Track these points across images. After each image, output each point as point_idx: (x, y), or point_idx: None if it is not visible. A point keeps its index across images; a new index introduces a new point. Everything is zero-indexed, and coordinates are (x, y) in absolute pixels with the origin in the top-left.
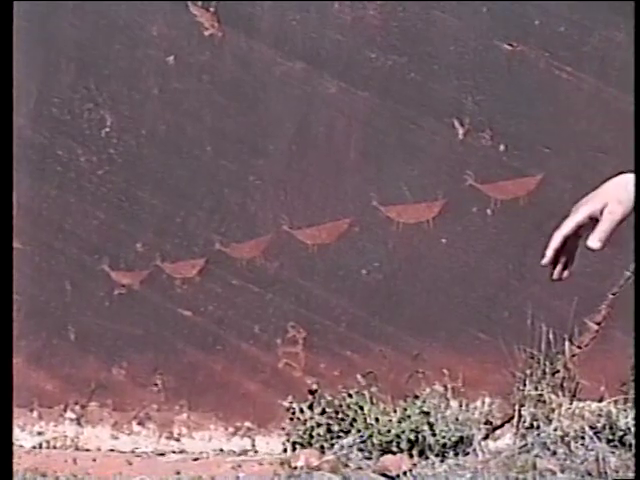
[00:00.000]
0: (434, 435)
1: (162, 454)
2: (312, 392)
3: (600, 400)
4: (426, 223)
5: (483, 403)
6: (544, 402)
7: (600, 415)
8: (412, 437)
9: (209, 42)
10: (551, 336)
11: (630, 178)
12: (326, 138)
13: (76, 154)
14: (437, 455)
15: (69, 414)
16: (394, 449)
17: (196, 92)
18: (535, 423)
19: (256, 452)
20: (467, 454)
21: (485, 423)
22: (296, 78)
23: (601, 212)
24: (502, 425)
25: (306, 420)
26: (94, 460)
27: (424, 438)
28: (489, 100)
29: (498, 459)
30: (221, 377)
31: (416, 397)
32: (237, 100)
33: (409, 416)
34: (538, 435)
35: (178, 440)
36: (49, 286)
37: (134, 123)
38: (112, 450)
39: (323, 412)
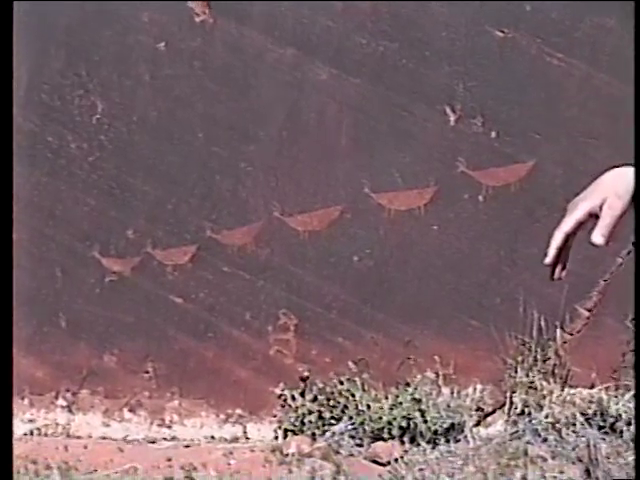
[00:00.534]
0: (425, 422)
1: (153, 441)
2: (303, 379)
3: (591, 387)
4: (417, 210)
5: (474, 390)
6: (535, 389)
7: (591, 402)
8: (403, 424)
9: (200, 28)
10: (542, 323)
11: (627, 171)
12: (317, 124)
13: (67, 141)
14: (428, 442)
15: (60, 401)
16: (385, 436)
17: (187, 78)
18: (526, 410)
19: (247, 439)
20: (458, 441)
21: (476, 410)
22: (287, 64)
23: (600, 207)
24: (493, 412)
25: (297, 407)
26: (85, 447)
27: (415, 425)
28: (480, 86)
29: (489, 446)
30: (212, 364)
31: (407, 384)
32: (228, 86)
33: (400, 403)
34: (529, 422)
35: (169, 427)
36: (40, 273)
37: (125, 109)
38: (103, 437)
39: (314, 399)
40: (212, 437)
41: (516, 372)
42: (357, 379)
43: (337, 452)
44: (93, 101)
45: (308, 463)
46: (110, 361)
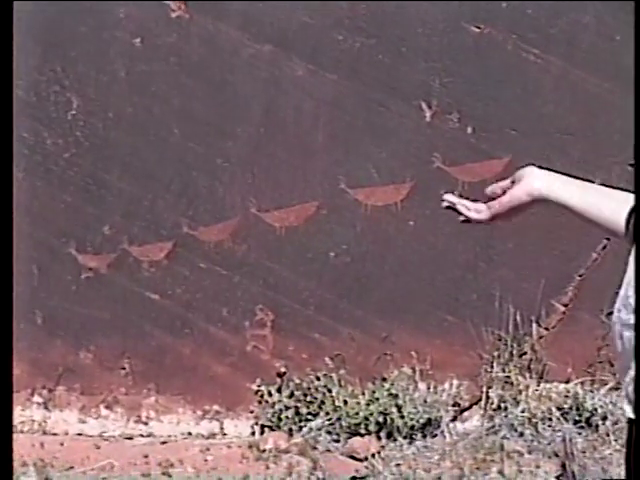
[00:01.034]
0: (402, 417)
1: (130, 438)
2: (280, 375)
3: (567, 381)
4: (394, 205)
5: (451, 385)
6: (511, 384)
7: (567, 396)
8: (380, 419)
9: (176, 24)
10: (518, 318)
11: (544, 175)
12: (294, 121)
13: (42, 137)
14: (405, 437)
15: (36, 398)
16: (362, 431)
17: (163, 74)
18: (503, 405)
19: (224, 435)
20: (435, 436)
21: (453, 405)
22: (264, 60)
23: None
24: (470, 407)
25: (274, 403)
26: (62, 444)
27: (392, 420)
28: (457, 82)
29: (466, 441)
30: (189, 360)
31: (384, 379)
32: (204, 82)
33: (377, 398)
34: (506, 417)
35: (146, 424)
36: (16, 270)
37: (101, 105)
38: (80, 434)
39: (291, 395)
40: (189, 433)
41: (492, 367)
42: (334, 375)
43: (314, 448)
44: (69, 97)
45: (285, 459)
46: (86, 358)
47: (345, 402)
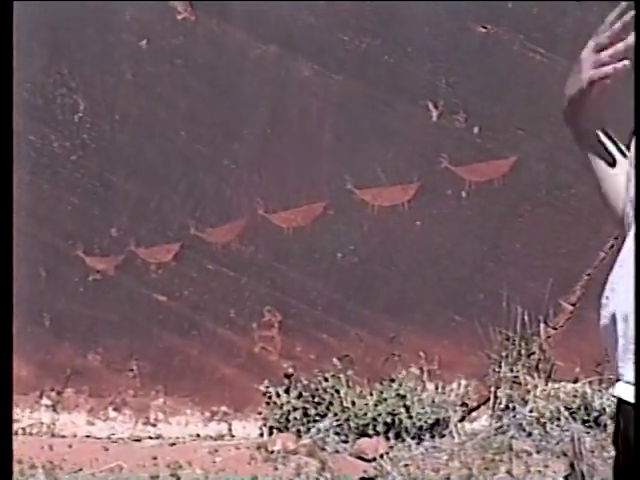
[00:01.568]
0: (410, 418)
1: (138, 440)
2: (288, 376)
3: (575, 381)
4: (401, 206)
5: (459, 385)
6: (519, 384)
7: (575, 396)
8: (388, 420)
9: (182, 26)
10: (526, 317)
11: None
12: (300, 121)
13: (49, 139)
14: (413, 438)
15: (45, 400)
16: (370, 432)
17: (169, 76)
18: (511, 404)
19: (233, 437)
20: (443, 436)
21: (461, 405)
22: (270, 61)
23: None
24: (478, 407)
25: (282, 404)
26: (70, 446)
27: (400, 421)
28: (463, 82)
29: (474, 441)
30: (197, 362)
31: (392, 380)
32: (211, 84)
33: (385, 399)
34: (514, 416)
35: (154, 425)
36: (23, 272)
37: (107, 108)
38: (88, 436)
39: (299, 396)
40: (197, 435)
41: (500, 367)
42: (342, 375)
43: (322, 449)
44: (75, 99)
45: (293, 460)
46: (94, 360)
47: (353, 403)
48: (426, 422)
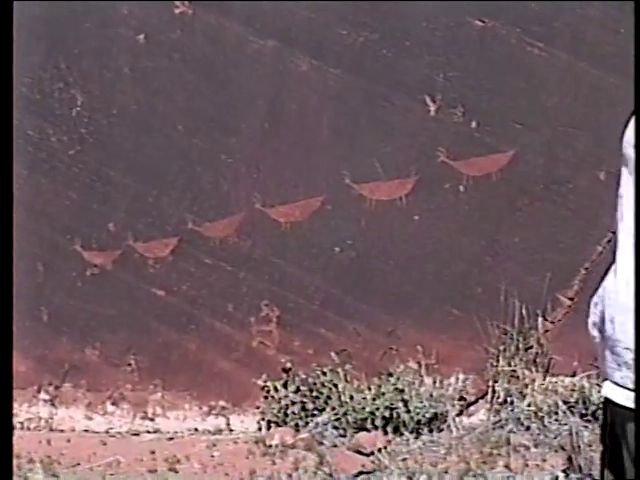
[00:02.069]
0: (408, 412)
1: (136, 434)
2: (286, 370)
3: (573, 375)
4: (399, 200)
5: (457, 379)
6: (517, 378)
7: (573, 390)
8: (386, 414)
9: (180, 20)
10: (524, 312)
11: None
12: (298, 116)
13: (47, 134)
14: (411, 432)
15: (43, 395)
16: (368, 426)
17: (167, 70)
18: (509, 399)
19: (231, 431)
20: (441, 430)
21: (459, 399)
22: (267, 56)
23: None
24: (476, 401)
25: (280, 398)
26: (68, 441)
27: (398, 415)
28: (461, 76)
29: (472, 435)
30: (195, 356)
31: (390, 374)
32: (208, 78)
33: (383, 393)
34: (512, 410)
35: (152, 420)
36: (21, 267)
37: (105, 102)
38: (86, 431)
39: (297, 390)
40: (195, 429)
41: (498, 361)
42: (340, 370)
43: (320, 443)
44: (73, 94)
45: (291, 454)
46: (92, 354)
47: (351, 397)
48: (424, 416)
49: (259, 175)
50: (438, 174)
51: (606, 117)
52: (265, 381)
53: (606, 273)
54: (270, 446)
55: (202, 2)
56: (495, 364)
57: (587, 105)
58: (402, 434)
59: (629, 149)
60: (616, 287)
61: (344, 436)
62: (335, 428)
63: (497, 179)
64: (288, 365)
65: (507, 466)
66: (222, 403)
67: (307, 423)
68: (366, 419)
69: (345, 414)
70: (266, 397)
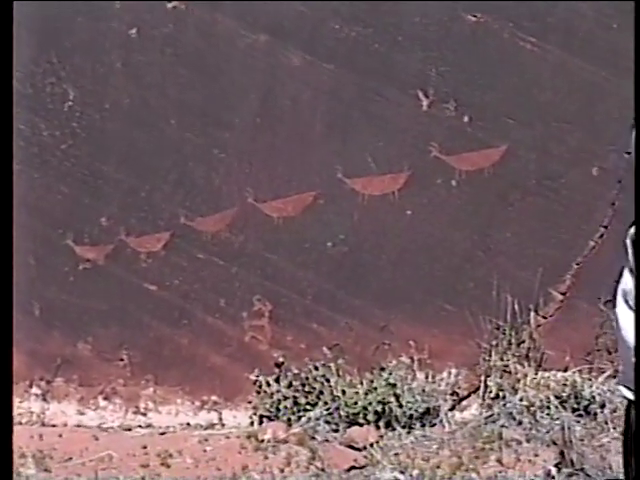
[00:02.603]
0: (401, 407)
1: (129, 429)
2: (278, 365)
3: (565, 370)
4: (391, 195)
5: (449, 374)
6: (510, 372)
7: (565, 385)
8: (379, 409)
9: (172, 15)
10: (516, 307)
11: None
12: (291, 110)
13: (39, 129)
14: (404, 426)
15: (34, 390)
16: (361, 421)
17: (159, 65)
18: (501, 393)
19: (223, 426)
20: (434, 425)
21: (451, 394)
22: (260, 50)
23: None
24: (468, 396)
25: (273, 393)
26: (60, 436)
27: (391, 410)
28: (453, 71)
29: (464, 430)
30: (187, 351)
31: (382, 369)
32: (201, 73)
33: (376, 388)
34: (504, 405)
35: (144, 415)
36: (13, 261)
37: (97, 97)
38: (78, 425)
39: (290, 385)
40: (187, 424)
41: (490, 356)
42: (332, 365)
43: (313, 438)
44: (65, 88)
45: (284, 449)
46: (84, 349)
47: (343, 392)
48: (416, 411)
49: (252, 170)
50: (430, 169)
51: (599, 112)
52: (257, 376)
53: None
54: (262, 441)
55: None
56: (487, 359)
57: (580, 100)
58: (394, 429)
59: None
60: None
61: (336, 431)
62: (327, 423)
63: (489, 174)
64: (280, 360)
65: (499, 461)
66: (214, 398)
67: (299, 418)
68: (358, 414)
69: (337, 409)
70: (258, 392)
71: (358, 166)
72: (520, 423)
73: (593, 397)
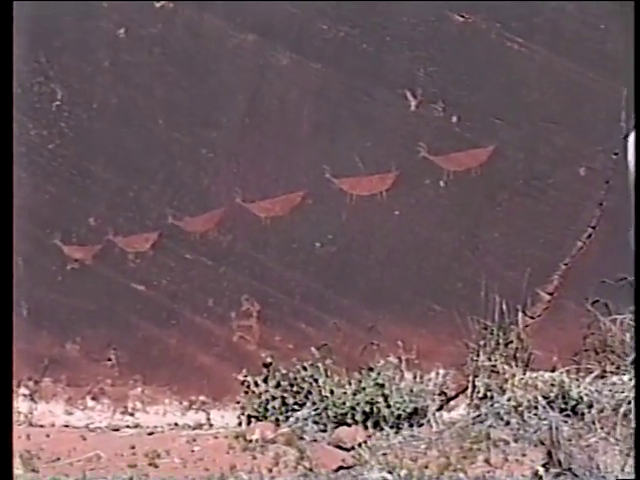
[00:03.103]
0: (389, 407)
1: (117, 429)
2: (267, 365)
3: (553, 370)
4: (379, 195)
5: (437, 374)
6: (497, 373)
7: (553, 385)
8: (367, 409)
9: (160, 14)
10: (504, 307)
11: None
12: (279, 110)
13: (27, 128)
14: (392, 427)
15: (22, 390)
16: (349, 421)
17: (147, 65)
18: (489, 393)
19: (211, 426)
20: (421, 425)
21: (439, 394)
22: (248, 50)
23: None
24: (456, 396)
25: (261, 393)
26: (48, 436)
27: (379, 410)
28: (441, 71)
29: (452, 430)
30: (175, 351)
31: (370, 369)
32: (189, 73)
33: (364, 388)
34: (492, 405)
35: (132, 415)
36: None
37: (85, 96)
38: (66, 425)
39: (278, 385)
40: (175, 424)
41: (478, 356)
42: (320, 365)
43: (301, 438)
44: (53, 88)
45: (272, 449)
46: (72, 349)
47: (332, 392)
48: (404, 411)
49: (239, 170)
50: (418, 169)
51: (586, 113)
52: (245, 376)
53: None
54: (250, 441)
55: None
56: (475, 359)
57: (567, 101)
58: (382, 429)
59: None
60: None
61: (324, 431)
62: (315, 423)
63: (477, 174)
64: (268, 360)
65: (487, 461)
66: (202, 398)
67: (287, 418)
68: (346, 414)
69: (325, 409)
70: (246, 392)
71: (346, 166)
72: (508, 423)
73: (581, 397)
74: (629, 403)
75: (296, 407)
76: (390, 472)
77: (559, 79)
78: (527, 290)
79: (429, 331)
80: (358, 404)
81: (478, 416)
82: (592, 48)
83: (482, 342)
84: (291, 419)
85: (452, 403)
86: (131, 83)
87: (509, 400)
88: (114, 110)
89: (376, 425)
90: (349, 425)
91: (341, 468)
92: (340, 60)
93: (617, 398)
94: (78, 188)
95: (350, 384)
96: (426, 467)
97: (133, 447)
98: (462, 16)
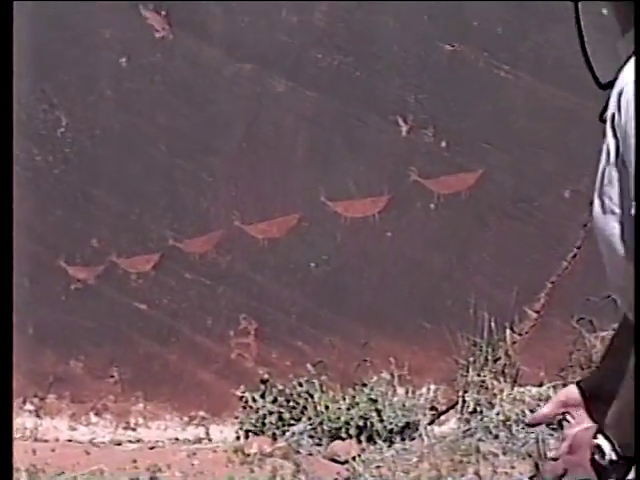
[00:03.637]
0: (382, 421)
1: (119, 444)
2: (264, 381)
3: (540, 385)
4: (372, 217)
5: (428, 390)
6: (487, 388)
7: (540, 399)
8: (360, 423)
9: (160, 44)
10: (493, 324)
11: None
12: (275, 136)
13: (32, 154)
14: (385, 440)
15: (28, 406)
16: (343, 435)
17: (149, 93)
18: (478, 408)
19: (210, 440)
20: (413, 439)
21: (430, 409)
22: (245, 78)
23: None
24: (447, 411)
25: (258, 408)
26: (53, 450)
27: (372, 424)
28: (431, 98)
29: (443, 443)
30: (176, 368)
31: (364, 385)
32: (189, 100)
33: (357, 403)
34: (481, 420)
35: (134, 430)
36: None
37: (89, 123)
38: (70, 440)
39: (275, 400)
40: (176, 439)
41: (468, 372)
42: (316, 381)
43: (297, 451)
44: (57, 115)
45: (269, 462)
46: (76, 367)
47: (327, 407)
48: (397, 425)
49: (238, 193)
50: (410, 192)
51: (572, 138)
52: (243, 392)
53: None
54: (248, 455)
55: (182, 27)
56: (465, 375)
57: (552, 126)
58: (376, 443)
59: None
60: None
61: (320, 445)
62: (311, 437)
63: (467, 197)
64: (266, 376)
65: (477, 473)
66: (202, 413)
67: (284, 432)
68: (341, 428)
69: (321, 423)
70: (244, 407)
71: (340, 189)
72: (497, 437)
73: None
74: None
75: (292, 422)
76: None
77: (544, 105)
78: (515, 308)
79: (420, 348)
80: (352, 419)
81: (468, 430)
82: (575, 74)
83: (472, 358)
84: (287, 433)
85: (443, 417)
86: (133, 110)
87: (498, 414)
88: (117, 136)
89: (370, 439)
90: (343, 439)
91: None
92: (334, 87)
93: None
94: (82, 212)
95: (344, 399)
96: (418, 479)
97: (135, 461)
98: (451, 45)
